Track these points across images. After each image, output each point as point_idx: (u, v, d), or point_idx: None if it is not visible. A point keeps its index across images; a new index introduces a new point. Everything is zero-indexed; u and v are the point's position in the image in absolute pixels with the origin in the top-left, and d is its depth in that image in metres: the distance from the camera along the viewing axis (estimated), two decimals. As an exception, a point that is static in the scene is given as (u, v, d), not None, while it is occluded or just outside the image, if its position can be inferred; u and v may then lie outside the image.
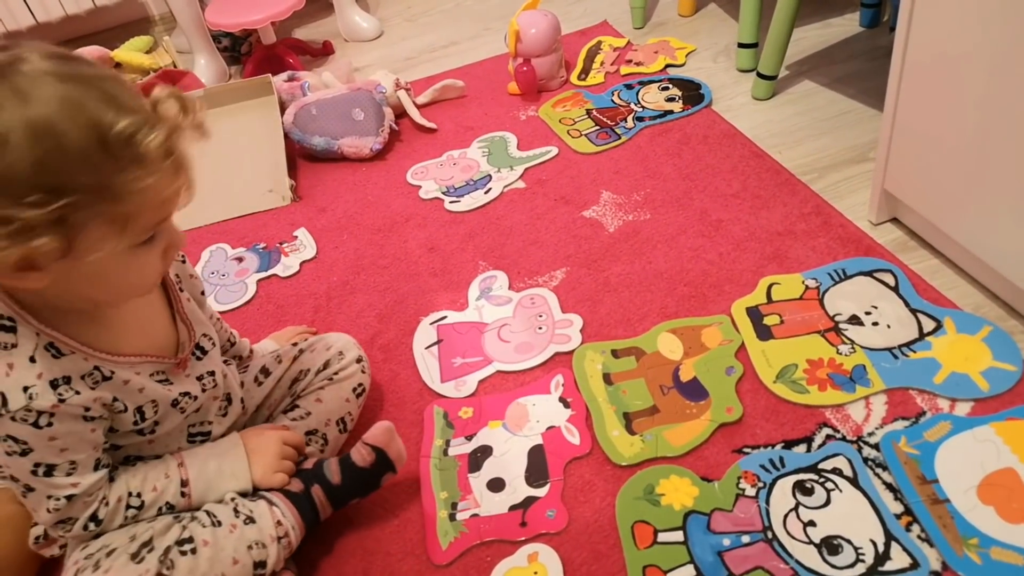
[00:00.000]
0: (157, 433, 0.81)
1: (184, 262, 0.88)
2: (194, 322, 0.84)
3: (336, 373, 0.98)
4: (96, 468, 0.76)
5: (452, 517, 0.90)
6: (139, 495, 0.79)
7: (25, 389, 0.67)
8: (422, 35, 2.08)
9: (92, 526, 0.77)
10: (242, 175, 1.56)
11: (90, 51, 1.92)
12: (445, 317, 1.17)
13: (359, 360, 1.01)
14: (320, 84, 1.67)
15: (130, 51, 1.99)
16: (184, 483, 0.81)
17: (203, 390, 0.84)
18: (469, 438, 0.99)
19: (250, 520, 0.80)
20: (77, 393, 0.70)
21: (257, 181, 1.54)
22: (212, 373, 0.85)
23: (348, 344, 1.01)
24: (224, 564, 0.77)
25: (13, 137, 0.57)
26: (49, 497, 0.74)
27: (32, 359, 0.68)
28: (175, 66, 1.97)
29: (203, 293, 0.91)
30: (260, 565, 0.79)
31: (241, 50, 2.10)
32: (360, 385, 1.00)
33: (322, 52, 2.07)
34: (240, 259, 1.37)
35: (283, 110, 1.61)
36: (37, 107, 0.58)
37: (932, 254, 1.13)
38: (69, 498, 0.74)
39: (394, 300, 1.22)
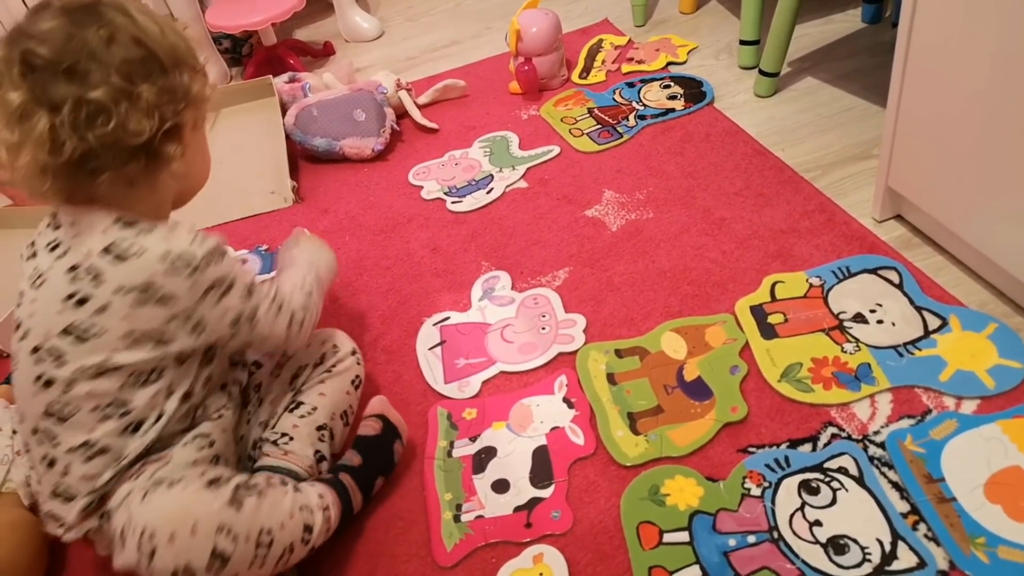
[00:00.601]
0: None
1: None
2: None
3: (334, 366, 0.99)
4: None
5: (457, 519, 0.90)
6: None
7: (205, 240, 0.80)
8: (423, 35, 2.08)
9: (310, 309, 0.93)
10: (244, 177, 1.56)
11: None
12: (448, 318, 1.17)
13: (354, 352, 1.01)
14: (321, 85, 1.67)
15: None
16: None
17: None
18: (473, 439, 0.99)
19: (297, 489, 0.83)
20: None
21: (259, 183, 1.53)
22: None
23: (341, 338, 1.02)
24: (282, 514, 0.79)
25: (170, 27, 0.80)
26: (272, 300, 0.87)
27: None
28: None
29: None
30: (308, 529, 0.81)
31: (242, 52, 2.10)
32: (357, 377, 1.01)
33: (323, 53, 2.07)
34: (243, 261, 1.37)
35: (284, 111, 1.61)
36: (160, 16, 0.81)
37: (936, 251, 1.12)
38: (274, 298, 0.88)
39: (397, 301, 1.22)
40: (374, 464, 0.93)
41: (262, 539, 0.76)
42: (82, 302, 0.76)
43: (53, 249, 0.80)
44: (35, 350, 0.78)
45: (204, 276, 0.78)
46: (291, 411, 0.94)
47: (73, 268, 0.77)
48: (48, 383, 0.77)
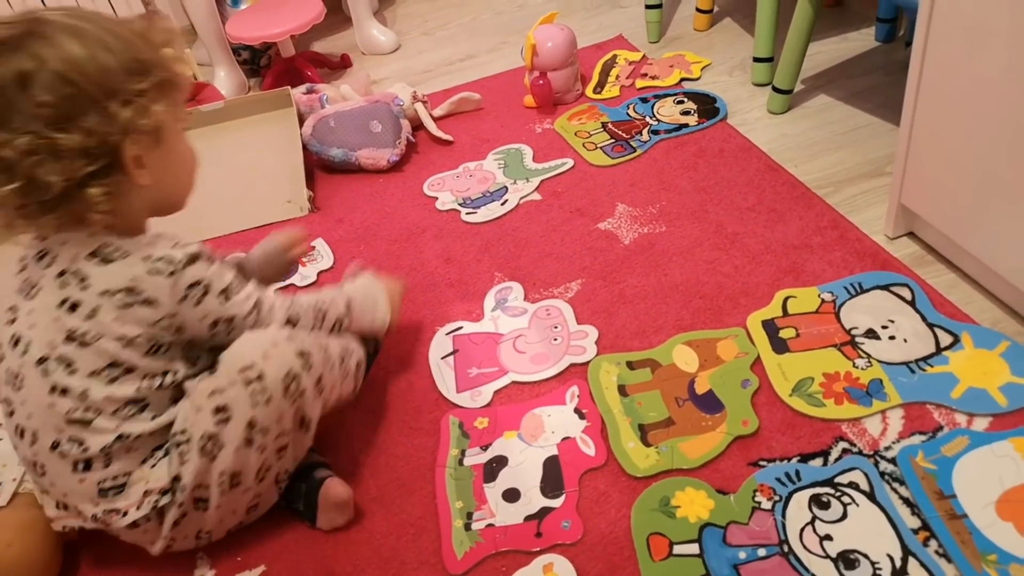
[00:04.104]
0: None
1: None
2: None
3: None
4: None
5: (467, 527, 0.91)
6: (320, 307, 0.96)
7: (173, 246, 0.82)
8: (439, 49, 2.10)
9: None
10: (261, 186, 1.58)
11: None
12: (461, 328, 1.18)
13: None
14: (338, 96, 1.69)
15: (152, 63, 2.02)
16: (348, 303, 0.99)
17: None
18: (484, 448, 0.99)
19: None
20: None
21: (276, 192, 1.55)
22: None
23: None
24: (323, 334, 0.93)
25: (112, 43, 0.76)
26: (252, 309, 0.87)
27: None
28: (196, 78, 2.00)
29: None
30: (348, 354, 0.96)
31: (260, 63, 2.13)
32: None
33: (340, 65, 2.10)
34: (258, 269, 1.39)
35: (302, 122, 1.63)
36: (102, 29, 0.77)
37: (949, 268, 1.13)
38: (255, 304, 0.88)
39: (410, 310, 1.23)
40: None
41: (321, 342, 0.90)
42: (74, 307, 0.79)
43: (42, 258, 0.82)
44: (41, 361, 0.80)
45: (183, 277, 0.81)
46: None
47: (61, 274, 0.80)
48: (64, 391, 0.79)
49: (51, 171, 0.73)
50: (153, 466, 0.84)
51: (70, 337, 0.79)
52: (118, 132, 0.76)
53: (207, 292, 0.83)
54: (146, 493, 0.84)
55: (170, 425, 0.84)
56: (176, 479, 0.83)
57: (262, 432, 0.84)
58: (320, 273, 1.35)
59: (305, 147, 1.59)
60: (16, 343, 0.82)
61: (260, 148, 1.65)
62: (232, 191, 1.58)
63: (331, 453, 1.00)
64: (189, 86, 0.86)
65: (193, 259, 0.82)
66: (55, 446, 0.81)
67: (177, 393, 0.86)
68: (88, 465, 0.82)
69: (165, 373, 0.84)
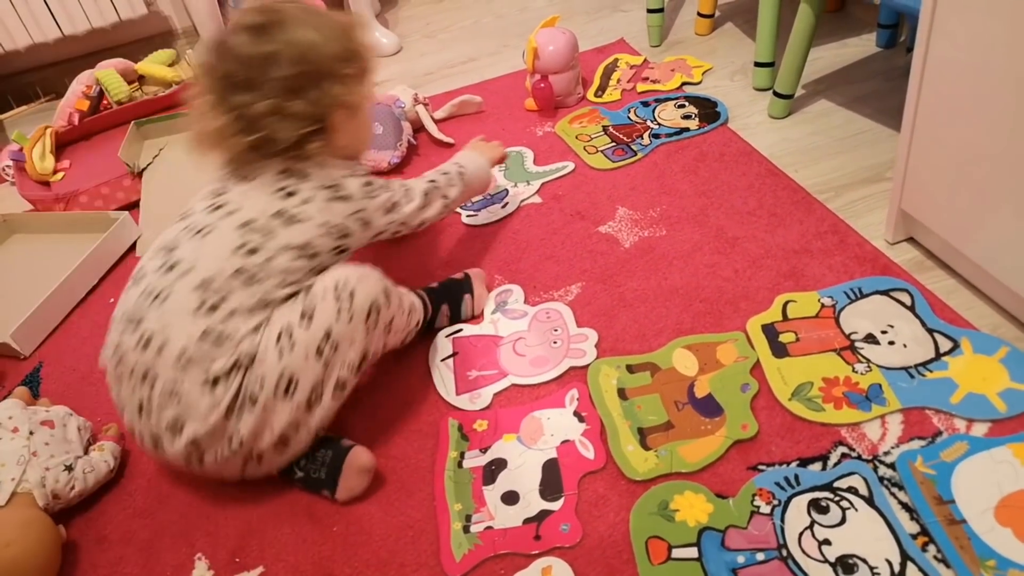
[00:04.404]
0: None
1: None
2: None
3: None
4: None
5: (466, 529, 0.91)
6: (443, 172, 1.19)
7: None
8: (441, 51, 2.10)
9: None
10: (262, 187, 1.58)
11: (114, 63, 1.96)
12: (461, 330, 1.18)
13: None
14: (340, 98, 1.69)
15: (153, 64, 2.02)
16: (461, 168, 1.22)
17: None
18: (484, 451, 0.99)
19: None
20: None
21: (276, 193, 1.55)
22: None
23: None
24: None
25: (331, 34, 1.00)
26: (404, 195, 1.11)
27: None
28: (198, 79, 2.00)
29: None
30: (412, 307, 1.10)
31: (262, 64, 2.13)
32: None
33: (342, 67, 2.10)
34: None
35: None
36: (324, 22, 1.01)
37: (949, 274, 1.13)
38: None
39: (410, 312, 1.23)
40: (444, 292, 1.19)
41: (399, 289, 1.06)
42: (291, 194, 0.97)
43: (246, 176, 1.00)
44: (246, 224, 0.95)
45: (367, 180, 1.05)
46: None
47: (284, 171, 0.99)
48: (252, 251, 0.93)
49: (282, 128, 0.96)
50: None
51: (279, 213, 0.96)
52: (330, 104, 0.99)
53: (383, 188, 1.07)
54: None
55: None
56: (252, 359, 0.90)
57: (332, 347, 0.91)
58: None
59: (306, 148, 1.59)
60: (217, 208, 0.97)
61: (261, 149, 1.65)
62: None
63: (330, 454, 1.00)
64: (374, 69, 1.08)
65: (368, 172, 1.07)
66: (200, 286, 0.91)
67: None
68: (220, 312, 0.90)
69: (323, 270, 0.97)
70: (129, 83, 1.95)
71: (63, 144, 1.84)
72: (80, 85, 1.89)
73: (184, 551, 0.95)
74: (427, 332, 1.17)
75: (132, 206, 1.62)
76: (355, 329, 0.93)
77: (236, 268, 0.92)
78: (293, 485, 0.98)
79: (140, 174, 1.64)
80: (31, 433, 0.99)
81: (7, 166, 1.77)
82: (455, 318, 1.19)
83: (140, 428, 0.92)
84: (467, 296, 1.19)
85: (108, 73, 1.91)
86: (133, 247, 1.50)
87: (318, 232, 0.98)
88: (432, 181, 1.16)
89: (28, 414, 1.02)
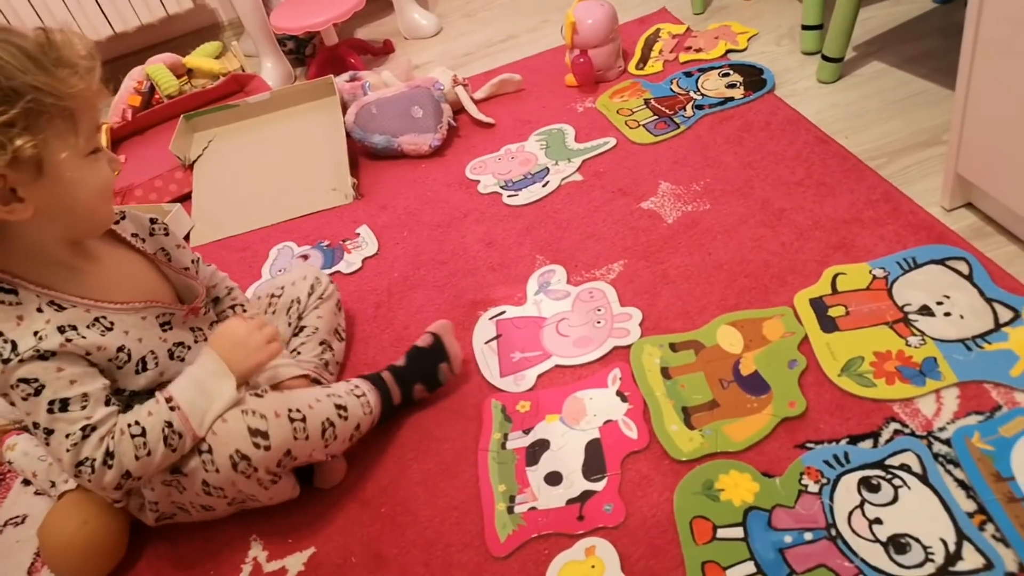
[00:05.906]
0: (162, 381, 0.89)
1: (155, 223, 1.00)
2: (201, 277, 1.02)
3: (322, 294, 1.15)
4: (107, 404, 0.82)
5: (510, 510, 0.91)
6: (137, 423, 0.82)
7: (35, 333, 0.78)
8: (480, 30, 2.09)
9: (110, 461, 0.80)
10: (306, 175, 1.60)
11: (163, 58, 2.01)
12: (504, 312, 1.18)
13: (330, 281, 1.18)
14: (380, 83, 1.70)
15: (201, 57, 2.07)
16: (169, 399, 0.84)
17: (195, 341, 0.95)
18: (527, 432, 1.00)
19: (333, 394, 0.95)
20: (83, 338, 0.80)
21: (321, 180, 1.57)
22: (201, 328, 0.98)
23: (315, 271, 1.17)
24: (308, 398, 0.92)
25: None
26: (67, 436, 0.79)
27: (39, 310, 0.80)
28: (243, 70, 2.04)
29: (179, 246, 1.01)
30: (342, 408, 0.94)
31: (305, 52, 2.16)
32: (338, 300, 1.18)
33: (383, 51, 2.11)
34: (305, 256, 1.41)
35: (345, 110, 1.64)
36: None
37: (1010, 240, 1.08)
38: (84, 432, 0.79)
39: (453, 295, 1.24)
40: (416, 369, 1.05)
41: (293, 415, 0.87)
42: None
43: None
44: None
45: (16, 371, 0.77)
46: (295, 335, 1.11)
47: None
48: None
49: None
50: None
51: None
52: None
53: (37, 393, 0.77)
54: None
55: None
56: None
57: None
58: (365, 260, 1.37)
59: (348, 135, 1.60)
60: None
61: (305, 137, 1.68)
62: (279, 180, 1.61)
63: (375, 437, 1.02)
64: (96, 107, 0.78)
65: (41, 356, 0.77)
66: None
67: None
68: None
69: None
70: (178, 77, 2.00)
71: (118, 140, 1.90)
72: (132, 81, 1.94)
73: (240, 532, 0.98)
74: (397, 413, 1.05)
75: (184, 198, 1.66)
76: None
77: None
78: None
79: (191, 166, 1.68)
80: None
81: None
82: (432, 388, 1.06)
83: None
84: (443, 365, 1.05)
85: (158, 68, 1.96)
86: (187, 238, 1.55)
87: None
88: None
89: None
